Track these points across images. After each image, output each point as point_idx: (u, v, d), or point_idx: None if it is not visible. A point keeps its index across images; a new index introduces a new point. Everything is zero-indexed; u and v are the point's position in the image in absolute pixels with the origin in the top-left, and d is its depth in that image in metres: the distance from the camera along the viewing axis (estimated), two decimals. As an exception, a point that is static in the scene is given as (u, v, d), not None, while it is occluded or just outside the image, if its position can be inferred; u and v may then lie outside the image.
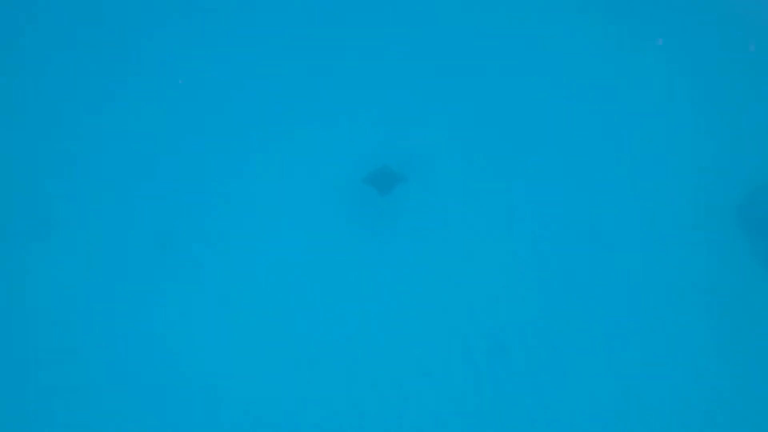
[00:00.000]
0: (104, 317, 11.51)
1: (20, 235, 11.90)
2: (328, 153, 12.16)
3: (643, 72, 12.29)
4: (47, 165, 12.34)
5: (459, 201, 11.83)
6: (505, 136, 12.13)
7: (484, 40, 12.67)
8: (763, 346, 10.69)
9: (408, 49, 12.71)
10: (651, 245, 11.36)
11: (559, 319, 11.12)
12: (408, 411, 10.90)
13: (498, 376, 10.95)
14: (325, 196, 11.94)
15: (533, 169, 11.93)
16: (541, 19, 12.72)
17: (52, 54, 12.96)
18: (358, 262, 11.62)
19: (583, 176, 11.83)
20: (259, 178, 12.22)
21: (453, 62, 12.60)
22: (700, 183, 11.61)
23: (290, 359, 11.22)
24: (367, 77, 12.60)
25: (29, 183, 12.22)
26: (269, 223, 11.96)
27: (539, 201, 11.74)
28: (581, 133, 12.08)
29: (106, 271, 11.77)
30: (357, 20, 12.88)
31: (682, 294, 11.09)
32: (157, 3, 13.19)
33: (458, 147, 12.11)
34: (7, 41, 13.03)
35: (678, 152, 11.83)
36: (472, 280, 11.44)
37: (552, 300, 11.24)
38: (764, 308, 10.87)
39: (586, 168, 11.87)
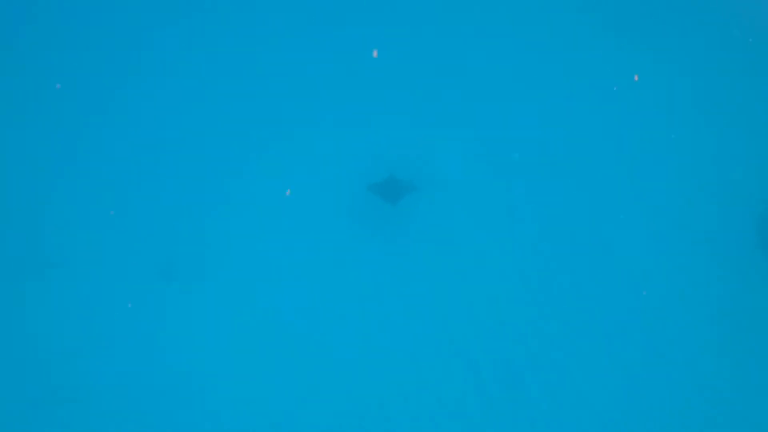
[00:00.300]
0: (108, 351, 11.28)
1: (15, 269, 11.62)
2: (334, 165, 12.06)
3: (656, 75, 12.16)
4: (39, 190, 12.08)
5: (467, 211, 11.76)
6: (517, 147, 12.04)
7: (498, 50, 12.56)
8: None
9: (415, 55, 12.61)
10: (662, 260, 11.23)
11: (566, 330, 11.02)
12: (411, 420, 10.83)
13: (503, 386, 10.85)
14: (333, 209, 11.85)
15: (545, 181, 11.84)
16: (552, 30, 12.62)
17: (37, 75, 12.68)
18: (366, 275, 11.55)
19: (598, 192, 11.72)
20: (264, 193, 12.08)
21: (462, 71, 12.50)
22: (716, 194, 11.51)
23: (299, 382, 11.09)
24: (372, 86, 12.49)
25: (20, 209, 11.98)
26: (275, 241, 11.82)
27: (549, 212, 11.65)
28: (597, 145, 11.99)
29: (106, 304, 11.48)
30: (368, 24, 12.76)
31: (695, 312, 10.94)
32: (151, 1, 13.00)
33: (467, 157, 12.03)
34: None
35: (691, 163, 11.73)
36: (478, 290, 11.35)
37: (560, 311, 11.13)
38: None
39: (602, 184, 11.79)
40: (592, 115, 12.10)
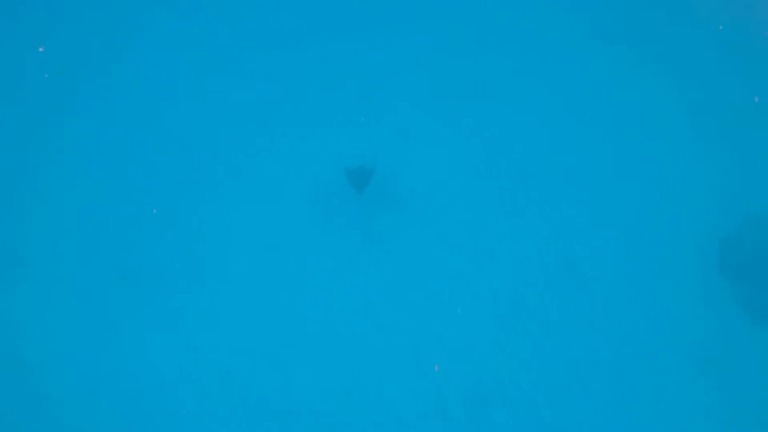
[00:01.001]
0: (66, 361, 10.78)
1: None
2: (304, 157, 12.01)
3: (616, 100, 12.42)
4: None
5: (439, 200, 11.75)
6: (490, 139, 12.16)
7: (473, 38, 12.80)
8: (748, 395, 10.45)
9: (387, 46, 12.72)
10: (622, 282, 11.20)
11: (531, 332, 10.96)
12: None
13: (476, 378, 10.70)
14: (302, 203, 11.73)
15: (517, 169, 11.95)
16: (539, 23, 12.87)
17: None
18: (340, 266, 11.36)
19: (566, 200, 11.79)
20: (232, 190, 11.90)
21: (435, 59, 12.66)
22: (677, 215, 11.58)
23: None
24: (344, 75, 12.56)
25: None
26: (244, 238, 11.55)
27: (523, 210, 11.70)
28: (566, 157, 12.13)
29: (62, 308, 11.03)
30: (351, 16, 12.96)
31: (654, 336, 10.87)
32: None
33: (440, 148, 12.10)
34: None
35: (653, 185, 11.84)
36: (451, 282, 11.26)
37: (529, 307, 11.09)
38: (749, 358, 10.70)
39: (569, 193, 11.85)
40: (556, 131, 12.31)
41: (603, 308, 11.06)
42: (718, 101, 12.36)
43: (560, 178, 11.94)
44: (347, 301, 11.16)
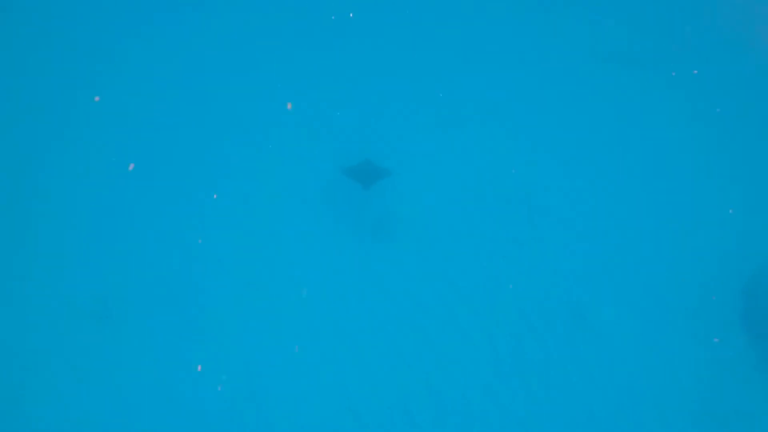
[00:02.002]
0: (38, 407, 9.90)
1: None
2: (310, 153, 11.58)
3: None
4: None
5: (446, 196, 11.23)
6: (492, 135, 11.72)
7: (477, 35, 12.51)
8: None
9: (396, 40, 12.47)
10: (639, 330, 10.23)
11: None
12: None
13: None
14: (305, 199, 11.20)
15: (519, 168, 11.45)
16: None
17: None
18: (346, 261, 10.79)
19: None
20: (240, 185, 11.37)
21: (439, 56, 12.33)
22: (700, 263, 10.65)
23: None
24: (353, 68, 12.25)
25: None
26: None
27: (525, 206, 11.13)
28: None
29: (35, 348, 10.17)
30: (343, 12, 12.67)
31: (671, 387, 9.92)
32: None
33: (443, 140, 11.67)
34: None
35: (675, 229, 10.98)
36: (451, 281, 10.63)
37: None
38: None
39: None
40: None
41: (609, 360, 10.07)
42: (740, 138, 11.62)
43: (575, 212, 11.20)
44: (352, 297, 10.57)
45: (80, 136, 11.61)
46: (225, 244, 10.84)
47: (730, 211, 11.03)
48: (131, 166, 11.17)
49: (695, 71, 12.18)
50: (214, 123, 11.81)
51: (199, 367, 10.01)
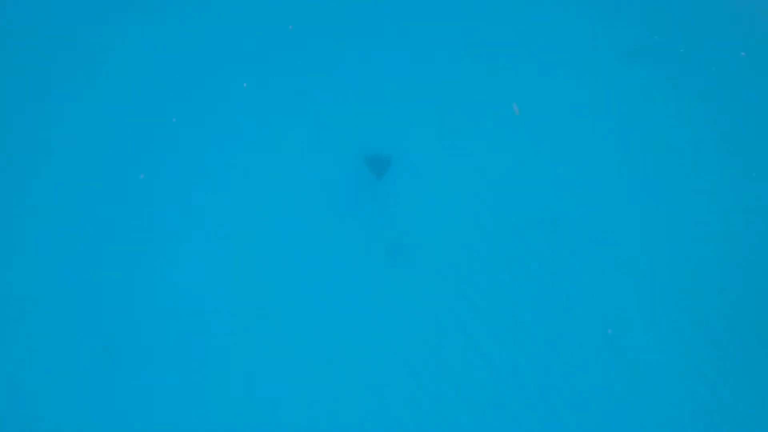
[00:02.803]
0: None
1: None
2: (323, 144, 11.21)
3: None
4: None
5: (458, 189, 10.82)
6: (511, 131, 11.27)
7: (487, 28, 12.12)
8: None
9: (410, 31, 12.15)
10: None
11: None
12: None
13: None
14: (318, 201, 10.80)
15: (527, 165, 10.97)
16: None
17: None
18: (358, 253, 10.39)
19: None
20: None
21: (460, 53, 11.95)
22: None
23: None
24: (366, 60, 11.92)
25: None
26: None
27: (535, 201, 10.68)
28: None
29: (42, 388, 9.64)
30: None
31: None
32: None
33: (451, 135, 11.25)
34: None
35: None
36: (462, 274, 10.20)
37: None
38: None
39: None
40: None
41: (641, 386, 9.48)
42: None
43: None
44: (364, 290, 10.19)
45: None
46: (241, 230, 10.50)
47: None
48: (142, 176, 10.72)
49: (743, 53, 11.68)
50: (215, 122, 11.43)
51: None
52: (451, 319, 9.89)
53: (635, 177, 10.80)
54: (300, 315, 9.98)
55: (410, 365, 9.66)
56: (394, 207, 10.69)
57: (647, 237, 10.29)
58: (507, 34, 12.10)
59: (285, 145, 11.22)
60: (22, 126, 11.47)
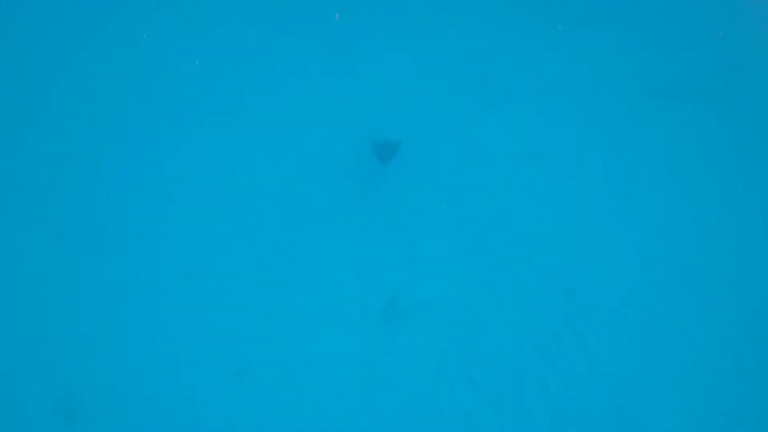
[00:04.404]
0: None
1: None
2: (328, 129, 10.93)
3: None
4: None
5: (465, 175, 10.50)
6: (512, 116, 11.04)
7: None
8: None
9: (417, 18, 12.10)
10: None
11: None
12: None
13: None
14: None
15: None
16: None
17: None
18: (362, 239, 9.91)
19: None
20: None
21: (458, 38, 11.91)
22: None
23: None
24: (372, 46, 11.85)
25: None
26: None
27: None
28: None
29: None
30: None
31: None
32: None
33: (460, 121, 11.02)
34: None
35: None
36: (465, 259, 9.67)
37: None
38: None
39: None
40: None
41: None
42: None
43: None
44: (368, 275, 9.62)
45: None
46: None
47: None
48: None
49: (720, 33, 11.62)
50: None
51: None
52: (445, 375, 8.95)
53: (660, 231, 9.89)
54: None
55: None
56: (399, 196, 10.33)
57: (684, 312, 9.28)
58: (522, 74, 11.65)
59: (287, 134, 10.94)
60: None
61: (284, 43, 11.95)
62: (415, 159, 10.66)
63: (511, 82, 11.57)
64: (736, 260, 9.65)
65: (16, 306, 9.21)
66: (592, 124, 11.05)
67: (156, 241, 9.78)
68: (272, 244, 9.83)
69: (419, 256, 9.77)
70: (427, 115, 11.21)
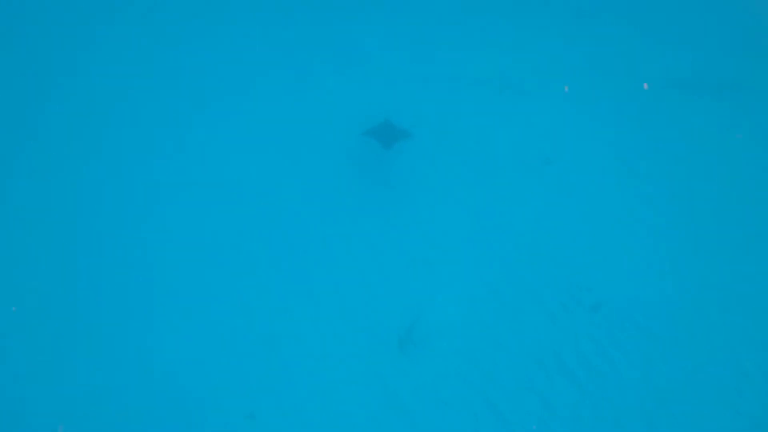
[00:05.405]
0: None
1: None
2: (330, 113, 10.70)
3: None
4: None
5: (467, 160, 10.21)
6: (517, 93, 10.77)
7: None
8: None
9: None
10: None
11: None
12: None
13: None
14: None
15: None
16: None
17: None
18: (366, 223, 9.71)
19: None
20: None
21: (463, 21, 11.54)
22: None
23: None
24: (372, 28, 11.52)
25: None
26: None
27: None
28: None
29: None
30: None
31: None
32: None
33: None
34: None
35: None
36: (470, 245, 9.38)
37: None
38: None
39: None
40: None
41: None
42: None
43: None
44: (370, 259, 9.42)
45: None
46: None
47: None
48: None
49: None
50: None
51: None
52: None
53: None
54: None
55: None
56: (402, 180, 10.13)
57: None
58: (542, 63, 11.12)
59: (288, 122, 10.69)
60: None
61: (290, 36, 11.45)
62: (429, 175, 10.20)
63: (526, 80, 11.01)
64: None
65: (16, 306, 8.98)
66: (615, 123, 10.45)
67: (156, 289, 9.25)
68: (282, 277, 9.32)
69: (434, 277, 9.24)
70: (442, 121, 10.75)
